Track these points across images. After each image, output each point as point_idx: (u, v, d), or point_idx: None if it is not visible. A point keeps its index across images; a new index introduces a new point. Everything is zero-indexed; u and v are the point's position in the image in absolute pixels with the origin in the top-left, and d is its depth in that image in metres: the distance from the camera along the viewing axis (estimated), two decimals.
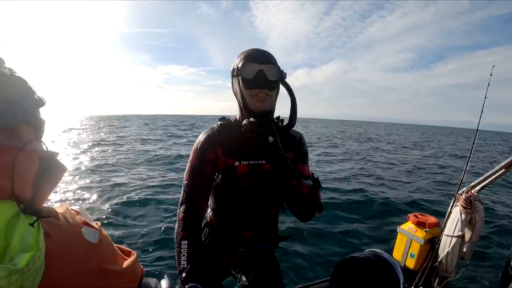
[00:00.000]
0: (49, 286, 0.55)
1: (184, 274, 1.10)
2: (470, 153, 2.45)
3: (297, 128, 1.37)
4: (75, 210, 0.73)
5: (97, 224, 0.76)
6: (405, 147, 23.17)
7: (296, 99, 1.25)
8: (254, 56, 1.16)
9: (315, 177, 1.33)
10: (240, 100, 1.21)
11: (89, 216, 0.77)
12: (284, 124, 1.30)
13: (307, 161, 1.39)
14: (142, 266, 0.90)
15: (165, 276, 3.25)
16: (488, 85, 2.47)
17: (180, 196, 1.28)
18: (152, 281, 0.97)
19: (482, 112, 2.46)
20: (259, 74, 1.14)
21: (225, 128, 1.28)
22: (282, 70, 1.20)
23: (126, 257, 0.82)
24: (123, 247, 0.88)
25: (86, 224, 0.70)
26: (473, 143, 2.48)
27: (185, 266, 1.12)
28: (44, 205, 0.63)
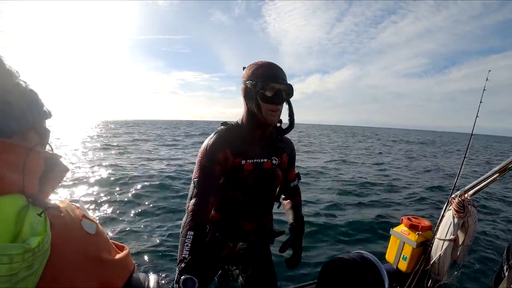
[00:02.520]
0: (53, 271, 0.61)
1: (183, 264, 1.13)
2: (464, 157, 2.43)
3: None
4: (75, 205, 0.78)
5: (93, 217, 0.80)
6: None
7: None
8: (273, 75, 1.30)
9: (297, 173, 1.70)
10: (255, 109, 1.34)
11: (87, 210, 0.82)
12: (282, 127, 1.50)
13: (294, 165, 1.67)
14: (134, 262, 0.92)
15: (152, 273, 3.28)
16: (484, 89, 2.45)
17: (189, 191, 1.35)
18: (141, 275, 0.99)
19: (477, 116, 2.44)
20: (277, 93, 1.30)
21: (230, 131, 1.42)
22: (292, 86, 1.34)
23: (119, 251, 0.86)
24: (117, 242, 0.92)
25: (85, 217, 0.75)
26: (467, 148, 2.45)
27: (186, 256, 1.15)
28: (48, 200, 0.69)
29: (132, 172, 8.96)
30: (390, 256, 2.44)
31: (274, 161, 1.48)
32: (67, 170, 0.74)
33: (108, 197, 6.36)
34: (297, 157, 1.70)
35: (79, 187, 7.16)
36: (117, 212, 5.49)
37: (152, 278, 0.99)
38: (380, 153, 19.83)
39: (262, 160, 1.44)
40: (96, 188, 7.11)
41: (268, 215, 1.58)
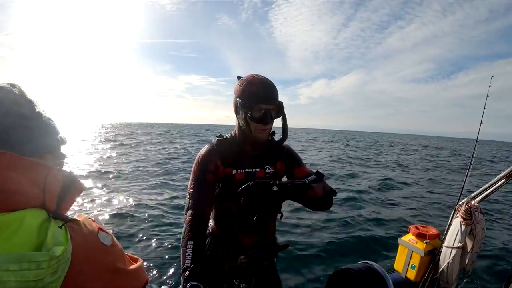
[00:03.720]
0: (73, 280, 0.65)
1: (187, 273, 1.14)
2: (470, 164, 2.41)
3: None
4: (91, 219, 0.82)
5: (108, 230, 0.84)
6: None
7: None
8: (263, 96, 1.29)
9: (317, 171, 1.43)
10: (245, 126, 1.34)
11: (103, 223, 0.85)
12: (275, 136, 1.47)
13: (302, 163, 1.55)
14: (147, 274, 0.95)
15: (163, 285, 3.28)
16: (487, 96, 2.45)
17: (186, 203, 1.36)
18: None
19: (481, 123, 2.43)
20: (266, 114, 1.30)
21: (223, 143, 1.43)
22: (282, 105, 1.34)
23: (133, 262, 0.89)
24: (131, 254, 0.95)
25: (101, 229, 0.79)
26: (473, 154, 2.44)
27: (189, 265, 1.16)
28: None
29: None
30: (398, 265, 2.42)
31: (267, 170, 1.45)
32: (83, 189, 0.79)
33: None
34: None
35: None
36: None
37: None
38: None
39: (254, 170, 1.42)
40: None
41: (268, 228, 1.52)
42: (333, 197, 1.38)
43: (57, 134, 0.80)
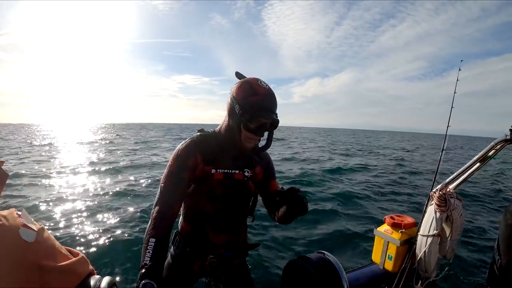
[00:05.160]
0: None
1: (143, 270, 1.11)
2: (442, 150, 2.34)
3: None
4: (17, 213, 0.80)
5: (37, 226, 0.82)
6: None
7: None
8: (264, 109, 1.24)
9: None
10: (236, 129, 1.29)
11: (31, 219, 0.83)
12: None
13: (275, 176, 1.56)
14: (91, 267, 0.93)
15: (109, 275, 3.25)
16: (455, 92, 2.39)
17: (155, 197, 1.30)
18: (94, 278, 0.98)
19: (449, 122, 2.37)
20: (261, 126, 1.26)
21: (204, 139, 1.37)
22: (278, 120, 1.30)
23: (71, 257, 0.86)
24: (73, 249, 0.92)
25: (24, 226, 0.77)
26: (445, 141, 2.37)
27: (147, 262, 1.13)
28: None
29: None
30: (376, 256, 2.35)
31: (246, 173, 1.42)
32: (6, 176, 0.78)
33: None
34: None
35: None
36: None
37: (105, 280, 0.98)
38: None
39: (233, 171, 1.38)
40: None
41: (239, 228, 1.49)
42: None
43: None
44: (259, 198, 1.53)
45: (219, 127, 1.41)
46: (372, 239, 2.43)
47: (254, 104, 1.22)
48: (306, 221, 5.12)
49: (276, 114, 1.28)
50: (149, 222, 1.26)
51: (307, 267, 1.45)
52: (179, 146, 1.35)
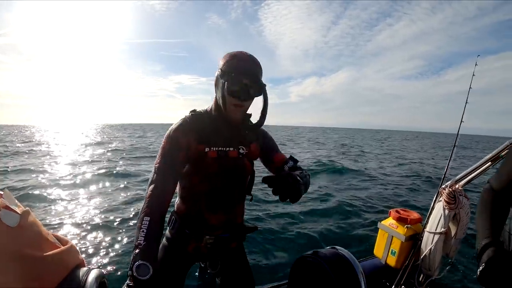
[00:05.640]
0: None
1: (137, 251, 1.03)
2: (454, 146, 2.25)
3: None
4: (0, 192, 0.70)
5: (22, 209, 0.71)
6: None
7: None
8: (243, 69, 1.21)
9: (290, 156, 1.48)
10: (220, 99, 1.27)
11: (15, 200, 0.72)
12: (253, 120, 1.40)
13: (277, 148, 1.53)
14: (81, 257, 0.83)
15: (99, 267, 3.19)
16: (470, 87, 2.30)
17: (149, 178, 1.24)
18: (82, 270, 0.85)
19: (463, 118, 2.27)
20: (243, 88, 1.22)
21: (196, 118, 1.34)
22: (263, 84, 1.26)
23: (59, 245, 0.76)
24: (62, 236, 0.82)
25: (6, 208, 0.67)
26: (457, 135, 2.29)
27: (141, 242, 1.05)
28: None
29: None
30: (378, 250, 2.27)
31: (241, 150, 1.39)
32: None
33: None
34: None
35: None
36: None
37: (93, 273, 0.87)
38: None
39: (227, 149, 1.35)
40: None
41: (236, 208, 1.44)
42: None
43: None
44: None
45: (209, 105, 1.39)
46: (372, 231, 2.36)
47: (233, 65, 1.22)
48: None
49: (260, 78, 1.26)
50: (144, 201, 1.17)
51: (320, 263, 1.33)
52: (172, 126, 1.32)
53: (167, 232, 1.45)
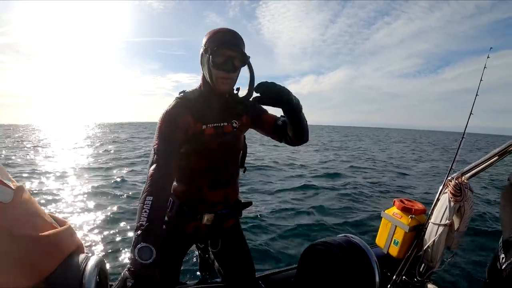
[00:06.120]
0: None
1: (139, 232, 0.97)
2: (462, 138, 2.20)
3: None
4: None
5: (15, 184, 0.65)
6: None
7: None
8: (225, 42, 1.22)
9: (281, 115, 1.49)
10: (207, 75, 1.27)
11: (8, 174, 0.67)
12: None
13: (266, 111, 1.54)
14: (79, 241, 0.79)
15: (98, 254, 3.14)
16: (481, 80, 2.25)
17: (150, 159, 1.21)
18: (81, 256, 0.77)
19: (472, 110, 2.23)
20: (228, 61, 1.22)
21: (188, 98, 1.32)
22: (247, 55, 1.26)
23: (56, 226, 0.71)
24: (59, 217, 0.77)
25: (0, 182, 0.61)
26: (466, 127, 2.24)
27: (144, 223, 0.99)
28: None
29: None
30: (380, 240, 2.23)
31: (234, 124, 1.41)
32: None
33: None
34: None
35: None
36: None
37: (93, 259, 0.79)
38: None
39: (222, 124, 1.37)
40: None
41: (233, 183, 1.47)
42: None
43: None
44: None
45: (198, 84, 1.39)
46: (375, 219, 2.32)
47: (215, 39, 1.22)
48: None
49: (243, 49, 1.26)
50: (146, 181, 1.10)
51: (333, 250, 1.27)
52: (166, 109, 1.29)
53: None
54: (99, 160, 12.10)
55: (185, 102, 1.31)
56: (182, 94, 1.36)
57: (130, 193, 5.90)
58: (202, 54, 1.28)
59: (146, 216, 1.00)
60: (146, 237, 0.95)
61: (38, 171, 8.79)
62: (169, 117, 1.26)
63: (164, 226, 1.37)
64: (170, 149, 1.21)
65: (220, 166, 1.38)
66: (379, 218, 2.31)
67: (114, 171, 9.31)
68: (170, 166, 1.18)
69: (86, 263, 0.75)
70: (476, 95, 2.25)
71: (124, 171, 9.30)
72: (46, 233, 0.64)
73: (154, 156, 1.19)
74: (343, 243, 1.31)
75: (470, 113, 2.24)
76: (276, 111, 1.42)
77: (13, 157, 12.50)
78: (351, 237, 1.38)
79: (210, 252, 1.57)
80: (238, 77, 1.34)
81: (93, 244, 3.63)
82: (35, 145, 19.11)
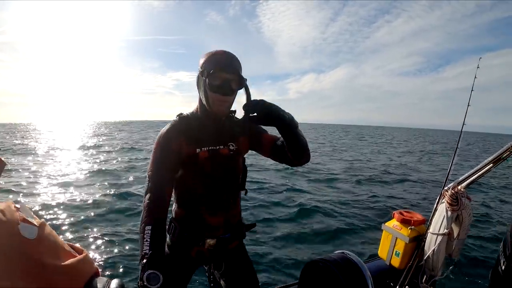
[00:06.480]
0: None
1: (144, 260, 1.04)
2: (456, 148, 2.28)
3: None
4: (16, 207, 0.73)
5: (38, 221, 0.75)
6: None
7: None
8: (222, 64, 1.20)
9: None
10: (204, 97, 1.26)
11: (31, 213, 0.76)
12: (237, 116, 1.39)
13: (265, 130, 1.48)
14: (96, 266, 0.87)
15: (117, 276, 3.21)
16: (472, 90, 2.33)
17: (144, 186, 1.25)
18: (101, 280, 0.88)
19: (465, 118, 2.30)
20: (224, 84, 1.21)
21: (184, 121, 1.33)
22: (244, 77, 1.24)
23: (75, 255, 0.80)
24: (76, 245, 0.86)
25: (24, 220, 0.70)
26: (459, 138, 2.31)
27: (147, 252, 1.06)
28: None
29: None
30: (382, 252, 2.30)
31: (231, 147, 1.38)
32: (4, 165, 0.72)
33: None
34: None
35: None
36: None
37: (114, 282, 0.89)
38: None
39: (218, 147, 1.34)
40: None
41: (234, 206, 1.44)
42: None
43: None
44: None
45: (195, 107, 1.38)
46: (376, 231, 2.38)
47: (212, 62, 1.21)
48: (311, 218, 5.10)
49: (239, 72, 1.24)
50: (142, 212, 1.18)
51: (329, 267, 1.36)
52: (160, 132, 1.32)
53: (167, 239, 1.43)
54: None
55: (180, 125, 1.32)
56: (178, 116, 1.36)
57: None
58: (198, 76, 1.27)
59: (148, 245, 1.08)
60: (151, 264, 1.04)
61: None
62: (163, 140, 1.28)
63: (168, 250, 1.40)
64: (162, 176, 1.23)
65: (218, 190, 1.35)
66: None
67: None
68: (163, 193, 1.22)
69: (109, 286, 0.87)
70: (472, 90, 2.32)
71: None
72: (68, 261, 0.75)
73: (148, 183, 1.22)
74: (339, 259, 1.40)
75: (463, 124, 2.32)
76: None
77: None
78: (347, 254, 1.46)
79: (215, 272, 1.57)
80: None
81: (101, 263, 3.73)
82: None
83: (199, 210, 1.35)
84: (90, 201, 6.36)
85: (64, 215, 5.48)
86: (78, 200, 6.44)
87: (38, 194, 6.98)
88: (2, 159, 0.71)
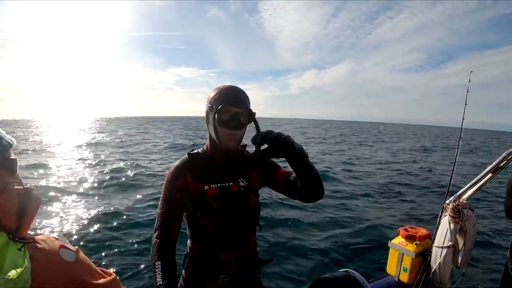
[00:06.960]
0: None
1: None
2: (454, 162, 2.34)
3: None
4: (54, 237, 0.82)
5: (72, 247, 0.84)
6: None
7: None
8: (230, 99, 1.20)
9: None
10: (213, 132, 1.25)
11: (67, 241, 0.85)
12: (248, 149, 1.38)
13: (278, 165, 1.42)
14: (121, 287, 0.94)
15: None
16: (468, 91, 2.41)
17: (155, 223, 1.29)
18: None
19: (463, 119, 2.38)
20: (233, 117, 1.20)
21: (194, 158, 1.33)
22: (252, 111, 1.23)
23: (105, 276, 0.88)
24: (105, 269, 0.93)
25: (63, 247, 0.79)
26: (457, 152, 2.38)
27: (161, 282, 1.10)
28: (31, 233, 0.76)
29: None
30: (390, 268, 2.34)
31: (241, 183, 1.35)
32: (40, 202, 0.78)
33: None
34: None
35: None
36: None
37: None
38: None
39: (227, 184, 1.33)
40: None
41: (247, 243, 1.40)
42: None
43: (1, 140, 0.70)
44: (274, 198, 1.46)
45: (206, 144, 1.38)
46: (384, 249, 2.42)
47: (220, 97, 1.21)
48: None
49: (248, 105, 1.24)
50: (152, 249, 1.24)
51: (334, 285, 1.43)
52: (171, 168, 1.33)
53: (182, 273, 1.43)
54: None
55: (188, 162, 1.32)
56: (189, 153, 1.36)
57: None
58: (207, 112, 1.26)
59: (161, 277, 1.13)
60: None
61: None
62: (171, 177, 1.29)
63: (183, 284, 1.41)
64: (170, 214, 1.27)
65: (228, 228, 1.33)
66: None
67: None
68: (170, 231, 1.25)
69: None
70: (467, 91, 2.40)
71: None
72: (101, 281, 0.84)
73: (157, 221, 1.27)
74: (342, 278, 1.47)
75: (460, 134, 2.39)
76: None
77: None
78: (351, 272, 1.53)
79: None
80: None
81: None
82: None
83: (211, 247, 1.34)
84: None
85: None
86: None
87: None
88: (36, 194, 0.76)
